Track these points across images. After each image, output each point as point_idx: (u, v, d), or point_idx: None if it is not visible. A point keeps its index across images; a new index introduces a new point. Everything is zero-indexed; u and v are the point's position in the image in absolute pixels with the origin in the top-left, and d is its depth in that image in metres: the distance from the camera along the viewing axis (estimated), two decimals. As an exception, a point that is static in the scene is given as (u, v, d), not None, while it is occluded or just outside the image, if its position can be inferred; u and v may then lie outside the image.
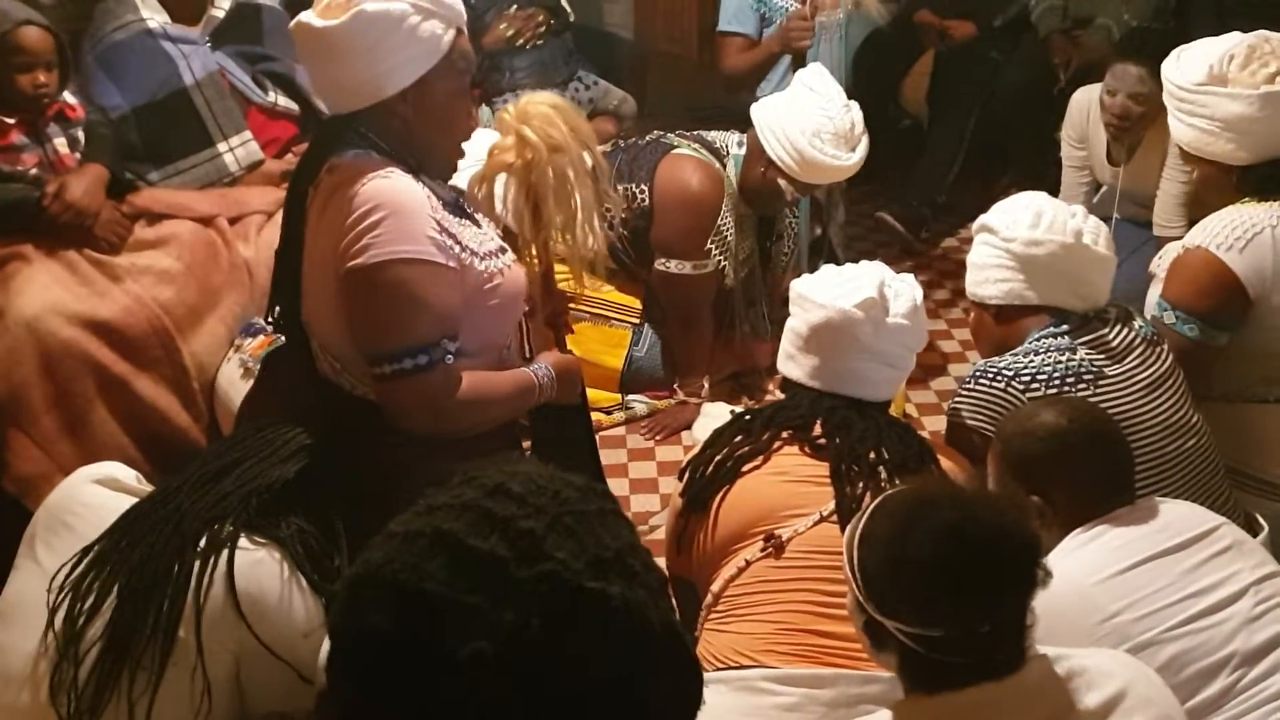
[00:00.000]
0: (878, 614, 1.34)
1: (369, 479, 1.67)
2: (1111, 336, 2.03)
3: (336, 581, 1.63)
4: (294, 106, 3.05)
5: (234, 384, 2.58)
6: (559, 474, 0.92)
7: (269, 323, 2.57)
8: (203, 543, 1.61)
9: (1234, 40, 2.21)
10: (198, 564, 1.58)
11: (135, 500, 1.70)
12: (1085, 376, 1.97)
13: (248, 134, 2.93)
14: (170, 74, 2.83)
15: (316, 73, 1.87)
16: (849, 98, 3.00)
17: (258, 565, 1.62)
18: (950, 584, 1.28)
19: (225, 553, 1.60)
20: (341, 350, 1.84)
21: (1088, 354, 1.99)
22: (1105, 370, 1.98)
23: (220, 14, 2.96)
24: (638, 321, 3.35)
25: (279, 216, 2.74)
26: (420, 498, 0.91)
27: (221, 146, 2.89)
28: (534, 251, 2.28)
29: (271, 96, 3.01)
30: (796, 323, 1.97)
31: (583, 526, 0.87)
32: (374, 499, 1.23)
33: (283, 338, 2.06)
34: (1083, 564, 1.62)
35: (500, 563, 0.83)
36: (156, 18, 2.86)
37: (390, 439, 1.80)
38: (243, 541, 1.62)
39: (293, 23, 1.80)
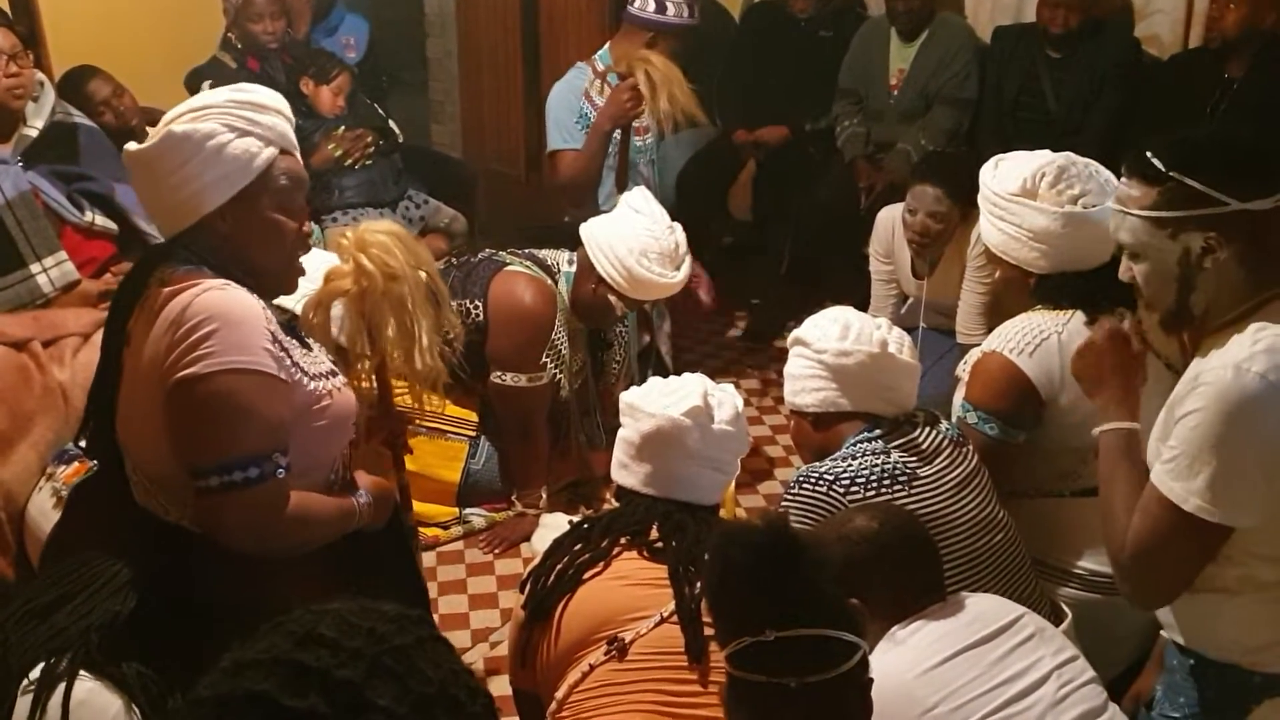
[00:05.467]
0: (724, 652, 1.38)
1: (198, 611, 1.62)
2: (921, 439, 2.15)
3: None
4: (112, 225, 2.98)
5: (46, 514, 2.45)
6: (370, 606, 0.88)
7: (80, 447, 2.47)
8: (36, 675, 1.53)
9: (1046, 158, 2.35)
10: (30, 698, 1.51)
11: None
12: (900, 478, 2.07)
13: (62, 254, 2.85)
14: (-22, 194, 2.75)
15: (142, 196, 1.88)
16: (674, 218, 3.14)
17: (100, 711, 1.55)
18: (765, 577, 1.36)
19: (62, 687, 1.53)
20: (158, 471, 1.78)
21: (900, 456, 2.10)
22: (918, 471, 2.09)
23: (33, 133, 2.90)
24: (474, 434, 3.35)
25: (97, 338, 2.67)
26: (226, 652, 0.85)
27: (34, 267, 2.80)
28: (369, 372, 2.28)
29: (88, 216, 2.94)
30: (628, 432, 2.02)
31: (403, 664, 0.83)
32: (202, 631, 1.19)
33: (96, 463, 1.99)
34: (903, 659, 1.69)
35: None
36: (-37, 137, 2.78)
37: (212, 568, 1.75)
38: (82, 679, 1.56)
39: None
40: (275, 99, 1.85)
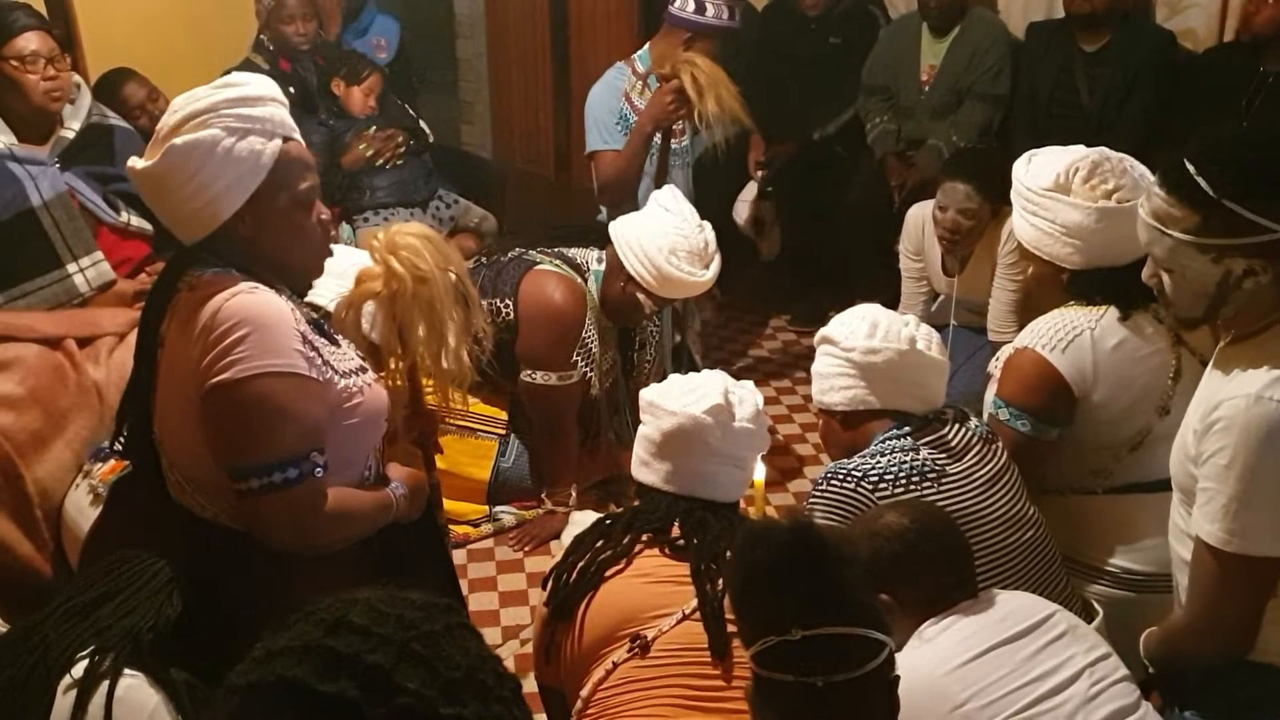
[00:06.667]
0: (750, 651, 1.37)
1: (234, 608, 1.63)
2: (950, 436, 2.13)
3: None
4: (147, 226, 3.02)
5: (83, 511, 2.48)
6: (398, 594, 0.90)
7: (113, 449, 2.50)
8: (79, 673, 1.55)
9: (1080, 153, 2.32)
10: (72, 695, 1.52)
11: None
12: (929, 475, 2.06)
13: (99, 254, 2.89)
14: (16, 195, 2.78)
15: (156, 210, 1.85)
16: (702, 217, 3.13)
17: (139, 706, 1.57)
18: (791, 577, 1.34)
19: (106, 685, 1.55)
20: (195, 471, 1.80)
21: (930, 453, 2.09)
22: (947, 469, 2.08)
23: (70, 134, 2.93)
24: (504, 433, 3.36)
25: (132, 338, 2.70)
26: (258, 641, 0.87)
27: (71, 267, 2.83)
28: (401, 372, 2.30)
29: (124, 216, 2.98)
30: (649, 430, 2.02)
31: (431, 649, 0.85)
32: (239, 629, 1.20)
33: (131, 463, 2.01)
34: (933, 656, 1.68)
35: (352, 706, 0.80)
36: (2, 139, 2.81)
37: (248, 563, 1.77)
38: (127, 676, 1.57)
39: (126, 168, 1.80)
40: (264, 85, 1.80)
